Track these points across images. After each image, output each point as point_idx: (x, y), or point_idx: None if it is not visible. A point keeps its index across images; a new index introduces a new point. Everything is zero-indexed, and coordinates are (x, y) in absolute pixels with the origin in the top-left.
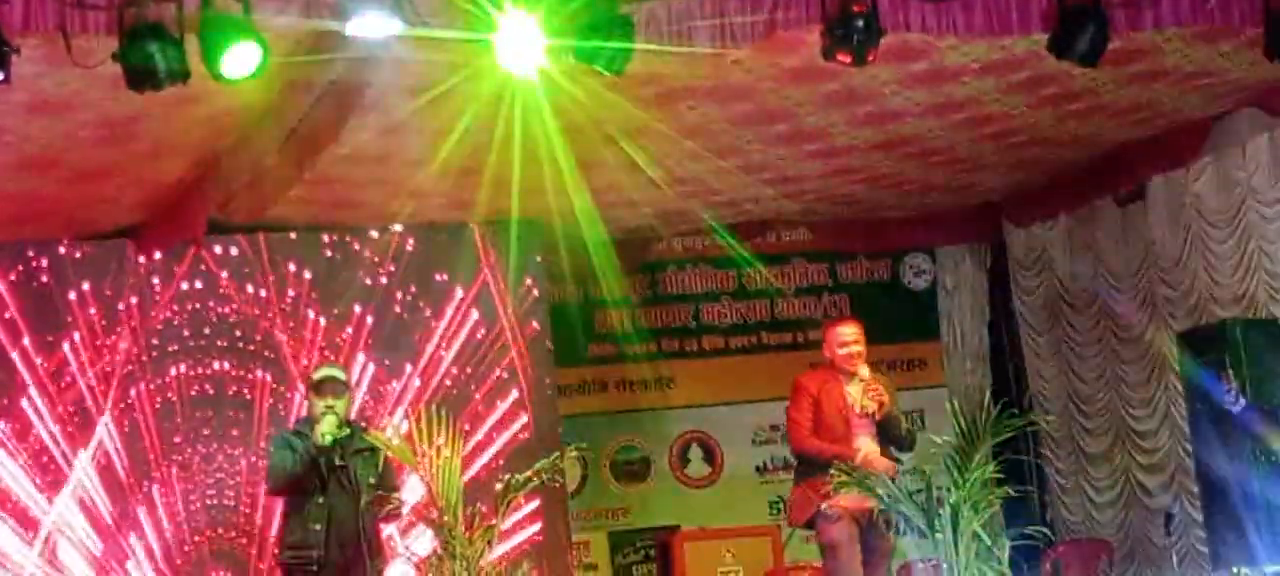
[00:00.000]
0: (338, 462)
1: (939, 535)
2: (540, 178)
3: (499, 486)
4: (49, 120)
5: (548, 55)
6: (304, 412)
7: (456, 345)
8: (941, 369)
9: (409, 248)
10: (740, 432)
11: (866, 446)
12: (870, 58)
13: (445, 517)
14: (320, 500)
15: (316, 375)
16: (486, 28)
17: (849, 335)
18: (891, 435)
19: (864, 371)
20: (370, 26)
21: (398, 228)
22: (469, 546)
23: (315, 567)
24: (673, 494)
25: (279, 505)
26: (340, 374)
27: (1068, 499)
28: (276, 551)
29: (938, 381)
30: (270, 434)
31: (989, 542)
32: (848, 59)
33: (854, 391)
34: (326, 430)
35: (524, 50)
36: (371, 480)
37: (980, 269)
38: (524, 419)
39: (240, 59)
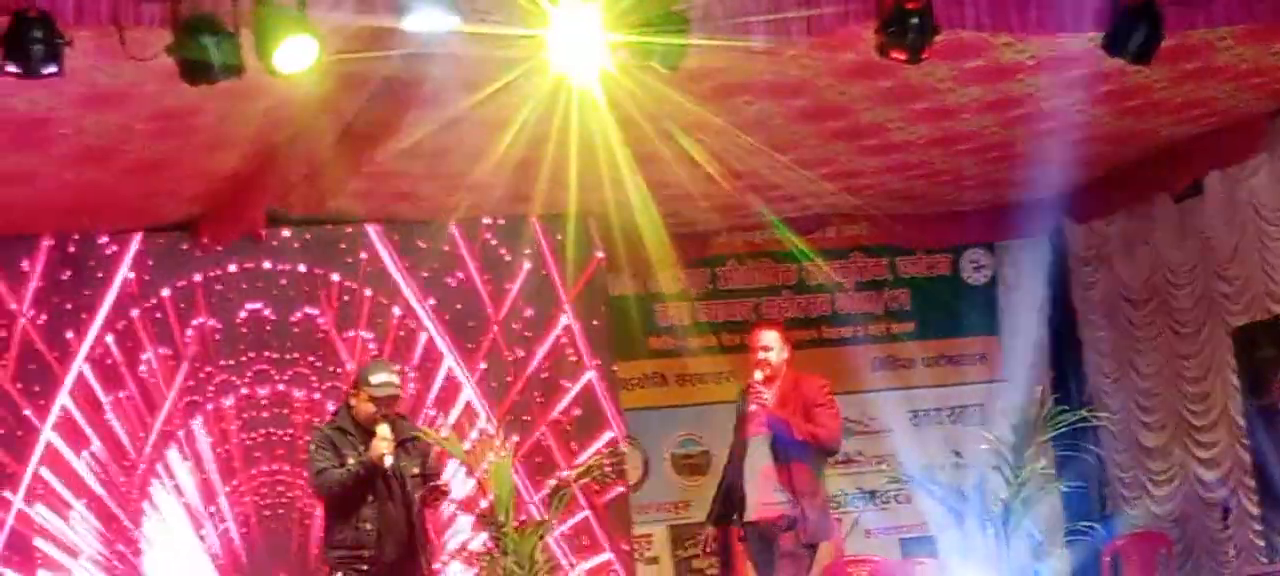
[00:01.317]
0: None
1: (991, 531)
2: (598, 171)
3: (551, 483)
4: (104, 112)
5: (603, 51)
6: (351, 400)
7: (522, 338)
8: (1001, 364)
9: (479, 240)
10: None
11: (759, 453)
12: (925, 55)
13: (498, 514)
14: (370, 498)
15: (375, 379)
16: (541, 23)
17: (757, 341)
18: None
19: (757, 376)
20: (425, 22)
21: (486, 220)
22: (520, 542)
23: (366, 567)
24: None
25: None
26: (397, 380)
27: (1127, 492)
28: (323, 551)
29: (997, 376)
30: (314, 426)
31: (1041, 537)
32: (902, 56)
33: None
34: (387, 451)
35: (579, 47)
36: (415, 470)
37: (1040, 264)
38: (580, 413)
39: (294, 53)
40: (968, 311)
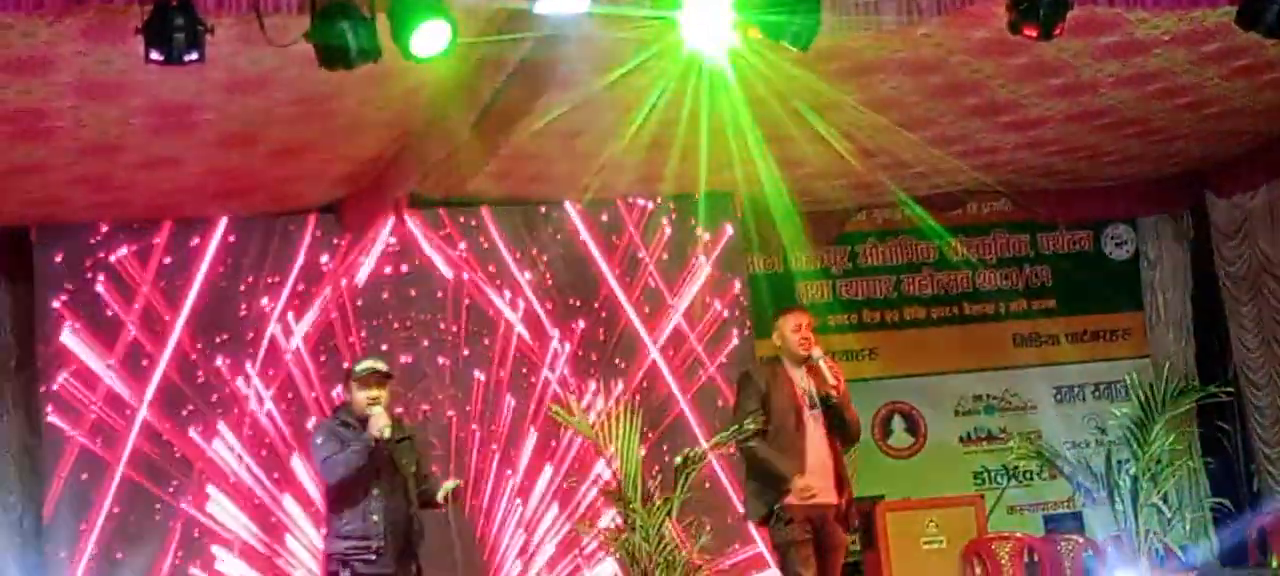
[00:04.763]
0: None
1: (1119, 507)
2: (729, 151)
3: (677, 460)
4: (247, 97)
5: (735, 31)
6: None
7: (656, 316)
8: (1144, 339)
9: (611, 219)
10: (943, 403)
11: (817, 439)
12: (1057, 31)
13: (625, 492)
14: (376, 492)
15: (359, 367)
16: (672, 5)
17: (802, 322)
18: (840, 423)
19: (816, 353)
20: (558, 4)
21: (619, 199)
22: (647, 518)
23: (373, 558)
24: (876, 464)
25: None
26: (383, 365)
27: (1273, 469)
28: (328, 541)
29: (1141, 352)
30: (318, 422)
31: (1168, 514)
32: (1034, 32)
33: (804, 381)
34: (384, 423)
35: (711, 27)
36: (412, 468)
37: (1182, 239)
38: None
39: (430, 37)
40: (1110, 287)
